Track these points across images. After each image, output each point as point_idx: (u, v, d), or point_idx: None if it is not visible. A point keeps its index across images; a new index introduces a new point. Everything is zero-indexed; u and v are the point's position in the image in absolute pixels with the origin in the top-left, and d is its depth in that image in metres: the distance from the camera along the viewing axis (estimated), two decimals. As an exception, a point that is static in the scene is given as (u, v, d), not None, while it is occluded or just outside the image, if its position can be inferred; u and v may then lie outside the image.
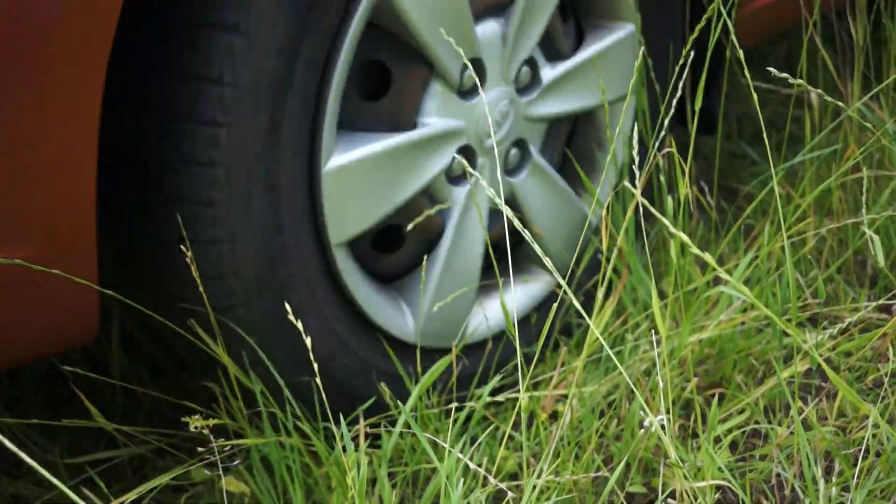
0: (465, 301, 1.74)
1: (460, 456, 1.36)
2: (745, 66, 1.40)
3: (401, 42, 1.56)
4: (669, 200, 1.52)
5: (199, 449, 1.52)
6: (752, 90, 1.38)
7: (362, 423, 1.63)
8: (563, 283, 1.13)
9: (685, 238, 1.00)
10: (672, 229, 0.99)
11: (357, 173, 1.53)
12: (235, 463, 1.57)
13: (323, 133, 1.47)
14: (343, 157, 1.51)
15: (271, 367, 1.50)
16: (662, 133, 1.59)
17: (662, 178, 1.67)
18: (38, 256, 1.22)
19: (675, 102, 1.55)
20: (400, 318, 1.69)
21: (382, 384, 1.67)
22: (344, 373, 1.63)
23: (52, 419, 1.85)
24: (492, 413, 1.76)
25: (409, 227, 1.63)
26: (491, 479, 1.36)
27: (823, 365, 1.15)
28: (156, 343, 1.97)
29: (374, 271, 1.68)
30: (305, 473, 1.57)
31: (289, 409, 1.54)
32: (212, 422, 1.44)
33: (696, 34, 1.41)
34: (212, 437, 1.49)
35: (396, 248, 1.69)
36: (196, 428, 1.44)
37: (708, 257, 1.01)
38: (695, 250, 0.98)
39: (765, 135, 1.36)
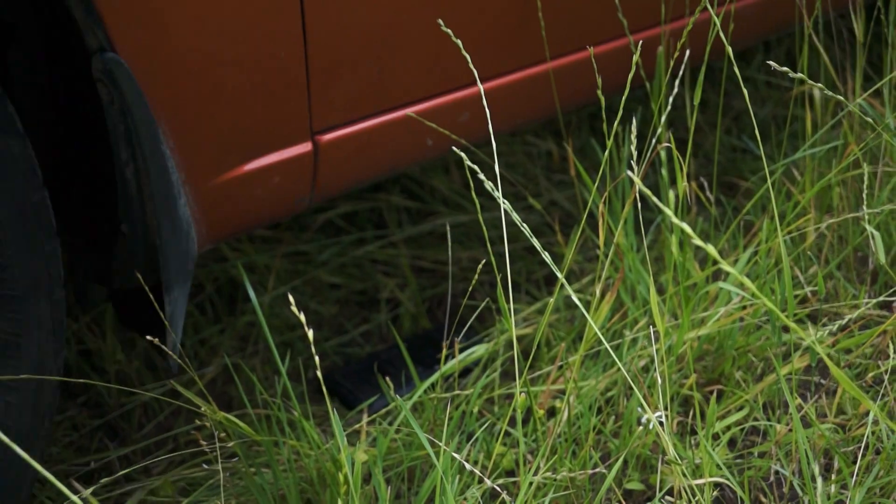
0: None
1: (456, 456, 1.35)
2: (744, 62, 1.39)
3: None
4: (671, 193, 1.51)
5: (202, 443, 1.51)
6: (743, 85, 1.36)
7: (365, 418, 1.62)
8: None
9: (687, 228, 0.99)
10: (674, 219, 0.97)
11: None
12: (235, 459, 1.56)
13: None
14: None
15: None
16: (659, 129, 1.58)
17: (664, 172, 1.65)
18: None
19: (670, 100, 1.54)
20: None
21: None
22: None
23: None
24: (485, 407, 1.75)
25: None
26: (486, 479, 1.35)
27: (826, 359, 1.13)
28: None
29: None
30: (299, 470, 1.56)
31: (280, 405, 1.53)
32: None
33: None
34: (213, 433, 1.48)
35: None
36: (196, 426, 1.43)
37: (710, 248, 0.99)
38: (697, 241, 0.96)
39: (757, 130, 1.35)
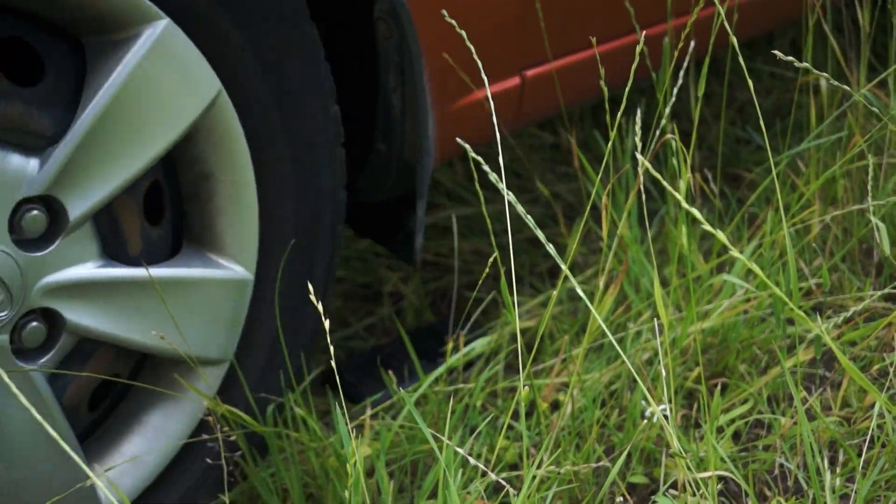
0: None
1: (459, 450, 1.35)
2: (749, 52, 1.38)
3: None
4: (682, 183, 1.50)
5: (205, 436, 1.50)
6: (748, 76, 1.35)
7: (368, 412, 1.62)
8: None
9: (696, 213, 0.98)
10: (683, 204, 0.96)
11: None
12: (238, 453, 1.56)
13: None
14: None
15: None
16: (664, 120, 1.57)
17: (673, 161, 1.65)
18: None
19: (675, 91, 1.54)
20: None
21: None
22: None
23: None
24: (488, 400, 1.75)
25: None
26: (490, 473, 1.35)
27: (835, 349, 1.13)
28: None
29: None
30: (302, 464, 1.56)
31: (288, 400, 1.53)
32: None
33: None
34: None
35: None
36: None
37: (719, 234, 0.98)
38: (706, 226, 0.95)
39: (762, 121, 1.34)
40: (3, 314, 1.21)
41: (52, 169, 1.21)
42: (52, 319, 1.28)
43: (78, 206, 1.24)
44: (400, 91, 1.54)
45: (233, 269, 1.42)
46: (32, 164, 1.21)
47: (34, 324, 1.26)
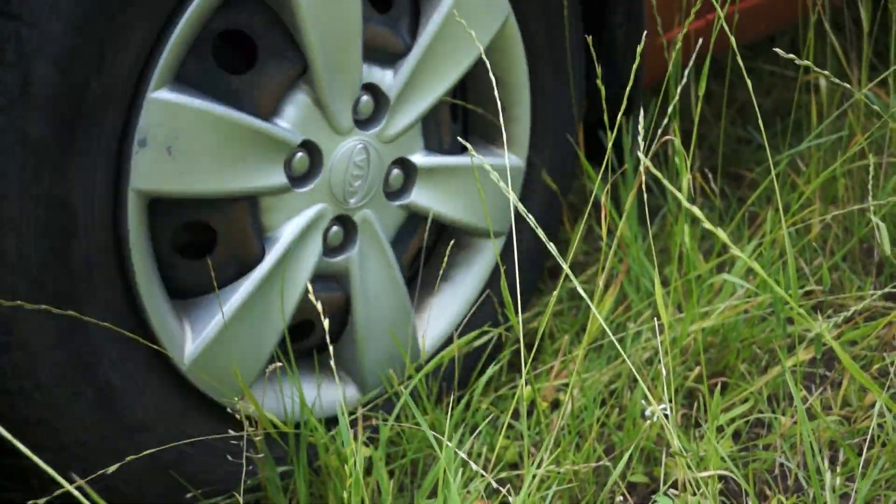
0: (265, 343, 1.52)
1: (458, 452, 1.34)
2: (749, 52, 1.38)
3: (277, 21, 1.42)
4: (683, 181, 1.50)
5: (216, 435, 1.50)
6: (747, 76, 1.35)
7: (360, 410, 1.61)
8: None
9: (698, 212, 0.97)
10: (685, 203, 0.96)
11: (187, 120, 1.34)
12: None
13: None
14: (177, 97, 1.32)
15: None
16: (665, 120, 1.57)
17: (676, 160, 1.65)
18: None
19: (679, 90, 1.53)
20: (179, 338, 1.44)
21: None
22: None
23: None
24: (491, 401, 1.75)
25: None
26: (487, 475, 1.35)
27: (836, 346, 1.12)
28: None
29: (171, 278, 1.45)
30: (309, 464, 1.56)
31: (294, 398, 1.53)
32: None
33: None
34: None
35: (202, 255, 1.47)
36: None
37: (720, 232, 0.98)
38: (707, 225, 0.95)
39: (762, 121, 1.34)
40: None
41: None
42: (407, 168, 1.63)
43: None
44: (624, 27, 1.85)
45: (510, 158, 1.73)
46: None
47: (396, 171, 1.61)
